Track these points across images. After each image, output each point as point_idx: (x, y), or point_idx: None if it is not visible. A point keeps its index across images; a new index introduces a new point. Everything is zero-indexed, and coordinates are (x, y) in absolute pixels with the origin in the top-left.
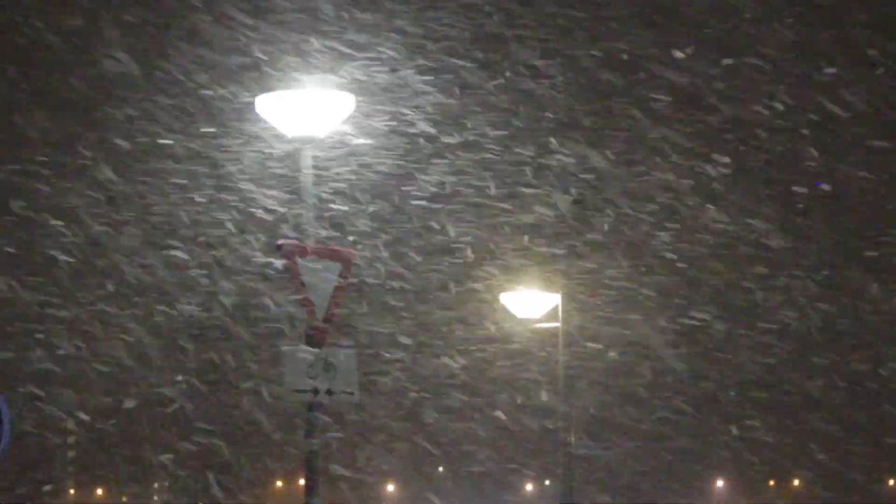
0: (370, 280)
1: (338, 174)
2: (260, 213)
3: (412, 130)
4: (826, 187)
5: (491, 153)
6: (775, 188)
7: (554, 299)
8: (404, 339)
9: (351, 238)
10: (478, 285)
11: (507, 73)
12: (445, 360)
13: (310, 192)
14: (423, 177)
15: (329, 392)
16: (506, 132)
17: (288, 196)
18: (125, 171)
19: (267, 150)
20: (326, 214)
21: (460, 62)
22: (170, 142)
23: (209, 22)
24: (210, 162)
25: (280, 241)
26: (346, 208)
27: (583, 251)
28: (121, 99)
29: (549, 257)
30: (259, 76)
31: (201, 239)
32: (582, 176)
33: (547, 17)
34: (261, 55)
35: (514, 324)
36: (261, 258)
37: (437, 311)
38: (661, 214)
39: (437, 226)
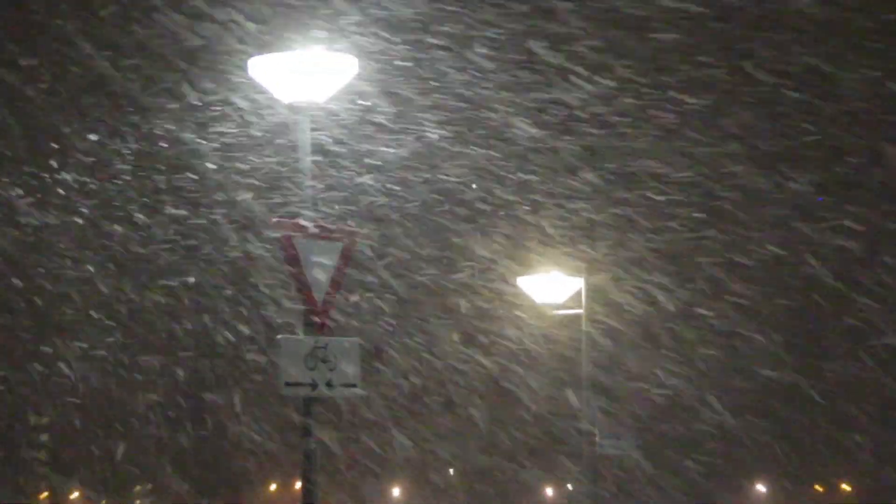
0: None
1: (339, 140)
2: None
3: (421, 99)
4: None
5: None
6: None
7: (576, 283)
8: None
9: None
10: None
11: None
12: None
13: (308, 164)
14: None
15: (329, 385)
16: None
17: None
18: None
19: (259, 118)
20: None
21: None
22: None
23: None
24: (198, 128)
25: (275, 219)
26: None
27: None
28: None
29: (572, 237)
30: (251, 36)
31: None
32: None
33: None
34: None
35: (531, 310)
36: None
37: (450, 293)
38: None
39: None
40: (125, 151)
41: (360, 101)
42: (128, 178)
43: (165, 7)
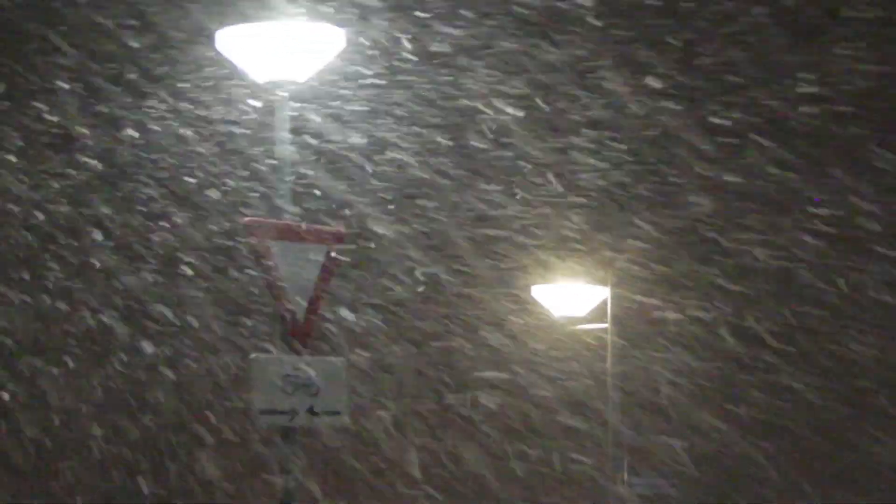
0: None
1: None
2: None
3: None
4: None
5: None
6: None
7: (601, 293)
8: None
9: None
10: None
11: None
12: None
13: (286, 153)
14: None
15: (311, 412)
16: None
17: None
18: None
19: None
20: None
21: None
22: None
23: None
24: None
25: (247, 218)
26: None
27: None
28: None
29: (595, 240)
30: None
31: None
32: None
33: None
34: None
35: (548, 325)
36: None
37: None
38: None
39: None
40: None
41: (345, 81)
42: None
43: None
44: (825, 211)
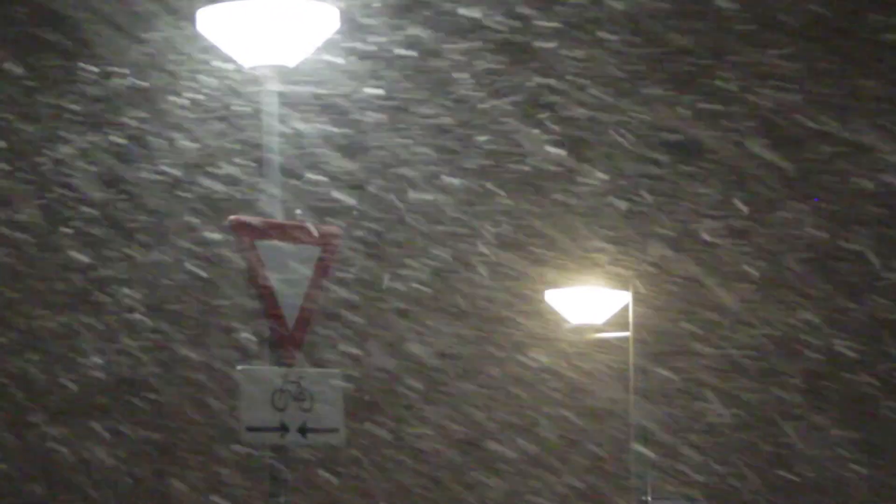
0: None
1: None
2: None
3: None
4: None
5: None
6: None
7: (621, 298)
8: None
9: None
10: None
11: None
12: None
13: (274, 145)
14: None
15: (303, 430)
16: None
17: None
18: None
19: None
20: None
21: None
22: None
23: None
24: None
25: (231, 217)
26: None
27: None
28: None
29: (614, 241)
30: None
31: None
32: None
33: None
34: None
35: (562, 333)
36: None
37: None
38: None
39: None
40: None
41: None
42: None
43: None
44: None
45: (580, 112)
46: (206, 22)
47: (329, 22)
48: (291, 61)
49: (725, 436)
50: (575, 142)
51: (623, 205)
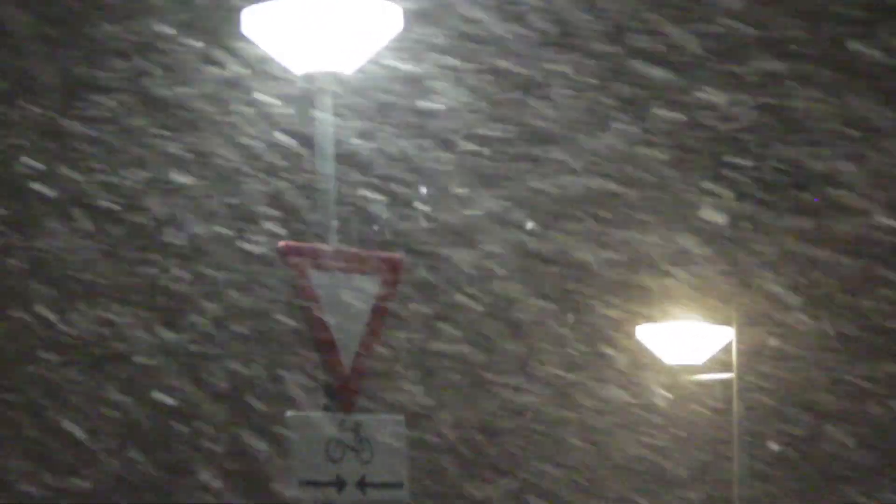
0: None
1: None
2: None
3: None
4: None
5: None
6: None
7: (725, 335)
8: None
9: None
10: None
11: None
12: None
13: (329, 165)
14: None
15: (362, 485)
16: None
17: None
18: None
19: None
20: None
21: None
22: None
23: None
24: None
25: (282, 244)
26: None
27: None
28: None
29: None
30: None
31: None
32: None
33: None
34: None
35: (657, 373)
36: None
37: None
38: None
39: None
40: None
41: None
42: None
43: None
44: None
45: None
46: (253, 23)
47: (392, 23)
48: (349, 67)
49: None
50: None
51: (722, 221)
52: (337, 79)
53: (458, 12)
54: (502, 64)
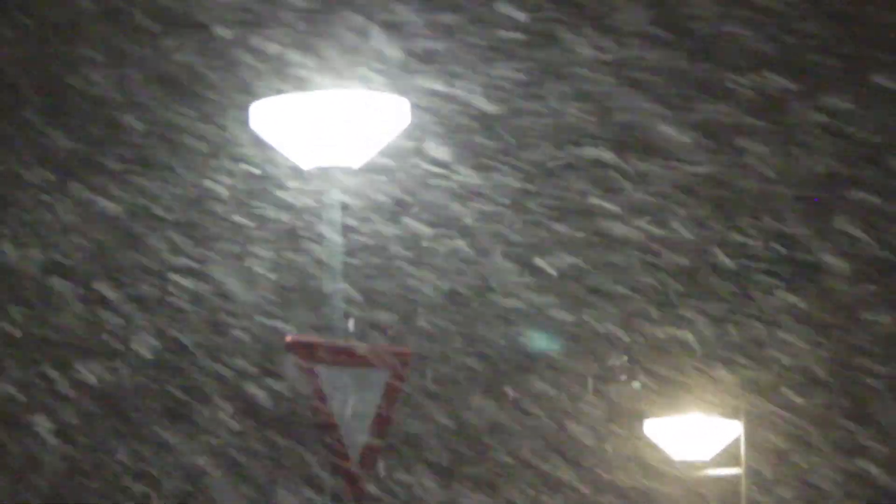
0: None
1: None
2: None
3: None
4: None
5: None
6: None
7: (733, 429)
8: None
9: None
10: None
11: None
12: None
13: (337, 258)
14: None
15: None
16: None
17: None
18: None
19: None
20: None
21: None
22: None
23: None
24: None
25: (290, 338)
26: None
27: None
28: None
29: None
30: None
31: None
32: None
33: None
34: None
35: (663, 468)
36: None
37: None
38: None
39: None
40: None
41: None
42: None
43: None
44: None
45: None
46: (261, 118)
47: (400, 116)
48: (356, 162)
49: None
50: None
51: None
52: (345, 172)
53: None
54: None
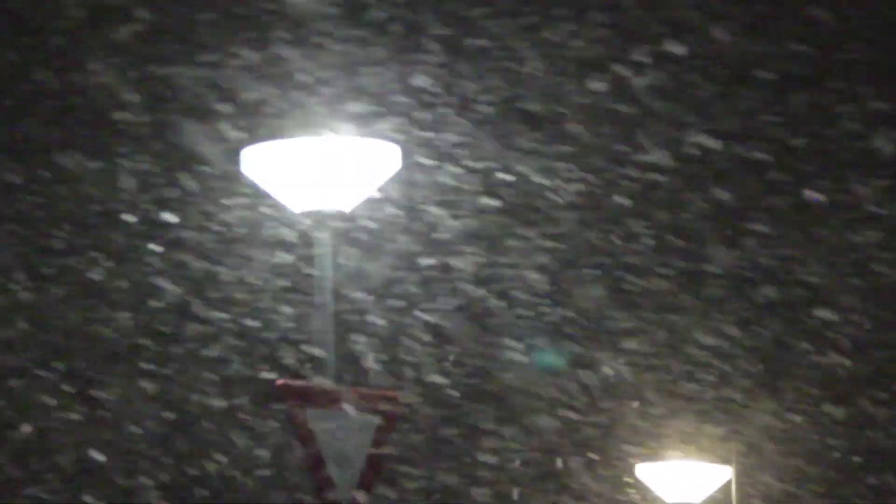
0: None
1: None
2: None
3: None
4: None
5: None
6: None
7: (723, 474)
8: None
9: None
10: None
11: None
12: None
13: (328, 301)
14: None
15: None
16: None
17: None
18: None
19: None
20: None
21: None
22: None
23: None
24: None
25: (279, 382)
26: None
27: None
28: None
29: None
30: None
31: None
32: None
33: None
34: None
35: None
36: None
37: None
38: None
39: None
40: None
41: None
42: None
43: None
44: None
45: None
46: (252, 162)
47: (391, 161)
48: (347, 206)
49: None
50: None
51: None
52: (337, 217)
53: None
54: None
